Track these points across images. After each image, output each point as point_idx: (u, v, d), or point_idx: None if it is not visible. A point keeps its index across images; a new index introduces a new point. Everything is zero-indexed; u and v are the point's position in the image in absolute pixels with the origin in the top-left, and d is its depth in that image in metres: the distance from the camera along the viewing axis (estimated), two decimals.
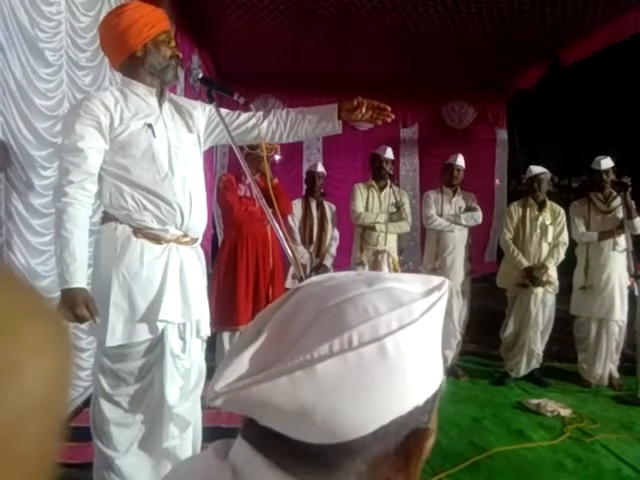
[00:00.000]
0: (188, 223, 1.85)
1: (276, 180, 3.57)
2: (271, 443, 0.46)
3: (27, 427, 0.25)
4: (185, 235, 1.86)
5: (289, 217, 4.05)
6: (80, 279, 1.65)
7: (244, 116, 2.01)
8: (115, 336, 1.73)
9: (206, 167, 6.06)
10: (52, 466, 0.27)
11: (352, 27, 4.73)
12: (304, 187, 4.42)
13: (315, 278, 0.53)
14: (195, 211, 1.87)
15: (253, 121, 1.98)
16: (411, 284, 0.51)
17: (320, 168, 4.33)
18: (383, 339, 0.44)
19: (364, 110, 1.90)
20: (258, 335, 0.47)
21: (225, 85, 2.27)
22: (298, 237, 4.10)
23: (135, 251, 1.76)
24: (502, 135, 6.95)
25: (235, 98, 1.91)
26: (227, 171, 5.88)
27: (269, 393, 0.43)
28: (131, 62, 1.83)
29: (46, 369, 0.26)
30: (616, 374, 3.95)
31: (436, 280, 0.52)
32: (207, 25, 4.60)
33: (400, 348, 0.45)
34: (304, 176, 4.46)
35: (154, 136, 1.80)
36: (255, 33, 4.80)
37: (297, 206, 4.17)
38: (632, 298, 3.84)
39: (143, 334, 1.77)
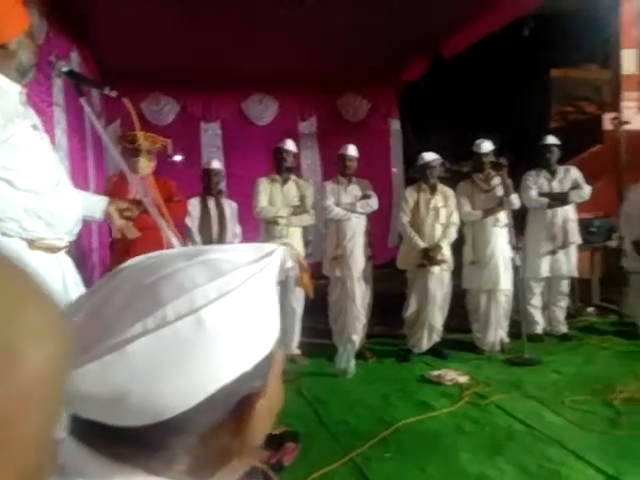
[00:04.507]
0: (75, 229, 1.78)
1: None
2: (92, 432, 0.44)
3: (26, 414, 0.24)
4: (69, 241, 1.80)
5: (187, 218, 3.94)
6: None
7: None
8: None
9: (96, 167, 5.70)
10: (51, 454, 0.27)
11: (238, 20, 4.64)
12: None
13: (136, 259, 0.51)
14: (80, 217, 1.81)
15: None
16: (241, 253, 0.50)
17: (216, 165, 4.24)
18: (199, 311, 0.43)
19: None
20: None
21: (96, 80, 2.18)
22: (197, 237, 4.00)
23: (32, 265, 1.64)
24: (395, 125, 7.25)
25: (106, 92, 1.88)
26: (119, 172, 5.59)
27: (79, 382, 0.41)
28: None
29: (45, 355, 0.25)
30: (506, 339, 4.30)
31: (268, 247, 0.52)
32: (83, 20, 4.31)
33: (219, 318, 0.44)
34: None
35: (41, 138, 1.69)
36: (136, 25, 4.51)
37: (195, 206, 4.07)
38: (516, 268, 4.20)
39: None
